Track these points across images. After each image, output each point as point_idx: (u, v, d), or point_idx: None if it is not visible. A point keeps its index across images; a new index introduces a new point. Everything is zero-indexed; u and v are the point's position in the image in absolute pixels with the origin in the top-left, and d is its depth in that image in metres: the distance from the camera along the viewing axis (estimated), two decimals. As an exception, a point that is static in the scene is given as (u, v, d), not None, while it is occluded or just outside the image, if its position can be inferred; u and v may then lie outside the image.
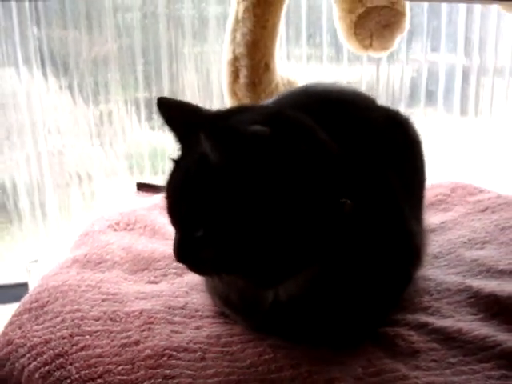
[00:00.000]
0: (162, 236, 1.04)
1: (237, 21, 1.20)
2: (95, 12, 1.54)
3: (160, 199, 1.18)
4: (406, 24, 1.33)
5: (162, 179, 1.63)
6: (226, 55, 1.21)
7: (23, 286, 1.24)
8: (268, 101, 0.91)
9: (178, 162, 0.71)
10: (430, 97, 1.84)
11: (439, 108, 1.85)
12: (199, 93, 1.65)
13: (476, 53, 1.83)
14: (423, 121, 1.83)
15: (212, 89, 1.64)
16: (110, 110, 1.63)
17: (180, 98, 1.56)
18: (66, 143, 1.62)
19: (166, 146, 1.66)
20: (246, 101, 1.21)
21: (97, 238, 1.01)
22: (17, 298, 1.32)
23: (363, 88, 1.72)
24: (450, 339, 0.72)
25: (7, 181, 1.60)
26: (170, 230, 1.03)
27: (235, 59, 1.20)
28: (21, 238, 1.60)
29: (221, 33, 1.60)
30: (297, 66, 1.64)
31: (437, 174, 1.33)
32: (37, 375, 0.69)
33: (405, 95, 1.82)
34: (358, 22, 1.28)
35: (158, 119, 1.61)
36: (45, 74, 1.55)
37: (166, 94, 1.61)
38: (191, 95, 1.64)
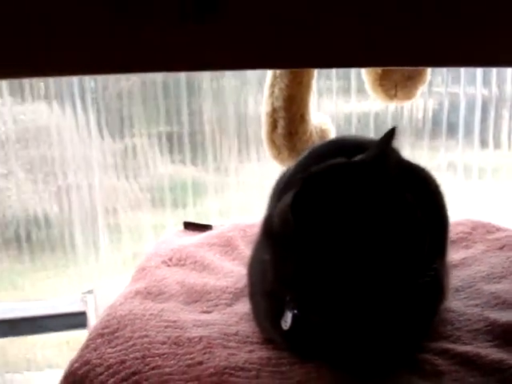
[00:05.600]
0: (212, 271, 1.16)
1: (275, 76, 1.33)
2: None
3: (205, 237, 1.31)
4: (428, 76, 1.45)
5: (182, 212, 1.73)
6: (266, 107, 1.34)
7: (80, 315, 1.36)
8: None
9: None
10: (452, 129, 1.90)
11: (461, 141, 1.91)
12: (217, 126, 1.77)
13: (494, 83, 1.88)
14: (445, 155, 1.90)
15: (228, 123, 1.76)
16: (134, 144, 1.74)
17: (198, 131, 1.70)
18: (93, 176, 1.74)
19: (186, 179, 1.77)
20: (284, 149, 1.34)
21: (154, 273, 1.14)
22: (74, 326, 1.46)
23: (388, 121, 1.84)
24: (469, 362, 0.83)
25: (39, 213, 1.71)
26: (218, 265, 1.17)
27: (274, 111, 1.33)
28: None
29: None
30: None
31: (458, 209, 1.42)
32: (115, 390, 0.81)
33: (428, 128, 1.88)
34: (383, 74, 1.40)
35: (178, 153, 1.74)
36: (74, 109, 1.65)
37: (186, 128, 1.73)
38: (209, 129, 1.75)
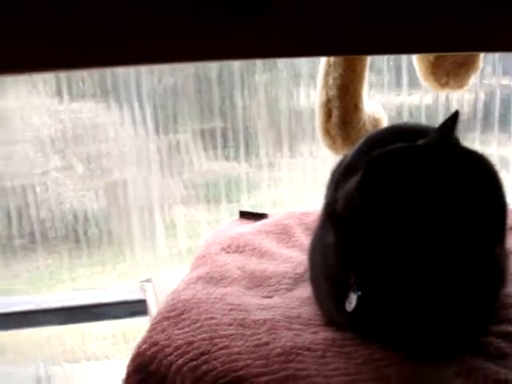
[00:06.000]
0: (270, 257, 1.18)
1: (329, 66, 1.34)
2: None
3: (262, 225, 1.34)
4: (480, 63, 1.44)
5: (234, 208, 1.75)
6: (320, 97, 1.36)
7: (139, 303, 1.40)
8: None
9: None
10: (504, 123, 1.87)
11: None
12: (268, 121, 1.79)
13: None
14: (497, 149, 1.88)
15: (280, 119, 1.78)
16: (178, 140, 1.77)
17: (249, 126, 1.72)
18: (139, 173, 1.77)
19: (238, 175, 1.80)
20: (338, 138, 1.35)
21: (214, 259, 1.16)
22: (133, 314, 1.50)
23: (438, 113, 1.82)
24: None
25: (89, 209, 1.76)
26: (276, 252, 1.19)
27: (328, 101, 1.34)
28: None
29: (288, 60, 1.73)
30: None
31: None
32: (185, 369, 0.83)
33: (478, 121, 1.86)
34: (435, 61, 1.40)
35: (222, 149, 1.77)
36: (121, 106, 1.69)
37: (235, 123, 1.76)
38: (261, 124, 1.77)
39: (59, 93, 1.68)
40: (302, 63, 1.77)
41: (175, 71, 1.74)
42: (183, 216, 1.82)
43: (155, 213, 1.80)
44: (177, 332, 0.92)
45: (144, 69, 1.66)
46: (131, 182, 1.77)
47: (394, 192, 0.75)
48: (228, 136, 1.77)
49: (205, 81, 1.74)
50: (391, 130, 1.08)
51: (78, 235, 1.76)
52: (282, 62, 1.74)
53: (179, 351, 0.87)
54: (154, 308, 1.27)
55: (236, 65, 1.72)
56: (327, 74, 1.35)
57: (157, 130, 1.73)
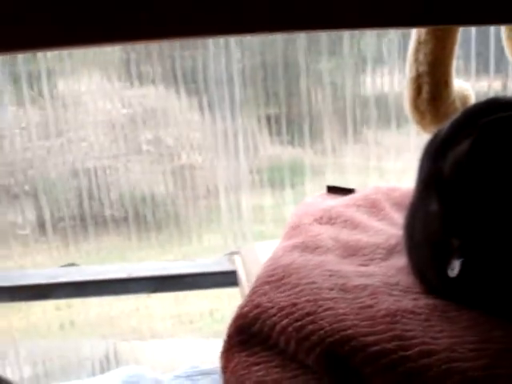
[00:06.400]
0: (362, 229, 1.20)
1: (419, 42, 1.35)
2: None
3: (350, 199, 1.36)
4: None
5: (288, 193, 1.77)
6: (410, 73, 1.37)
7: (229, 273, 1.45)
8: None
9: None
10: None
11: None
12: (333, 107, 1.80)
13: None
14: None
15: (345, 105, 1.79)
16: (243, 126, 1.79)
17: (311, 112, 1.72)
18: (202, 158, 1.81)
19: (293, 161, 1.81)
20: (427, 114, 1.36)
21: (308, 229, 1.19)
22: (222, 284, 1.55)
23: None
24: None
25: (156, 193, 1.80)
26: (367, 224, 1.21)
27: (418, 77, 1.35)
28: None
29: (354, 46, 1.73)
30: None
31: None
32: (290, 329, 0.86)
33: None
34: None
35: (286, 135, 1.79)
36: (178, 92, 1.73)
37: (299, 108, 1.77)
38: (325, 110, 1.78)
39: (129, 77, 1.73)
40: (368, 48, 1.78)
41: (243, 57, 1.77)
42: (248, 200, 1.85)
43: (221, 197, 1.84)
44: (279, 295, 0.95)
45: (211, 55, 1.70)
46: (198, 166, 1.81)
47: (506, 157, 0.76)
48: (293, 122, 1.79)
49: (271, 67, 1.76)
50: (490, 103, 1.09)
51: (146, 218, 1.82)
52: (347, 48, 1.75)
53: (283, 312, 0.90)
54: (244, 278, 1.31)
55: (301, 51, 1.74)
56: (417, 50, 1.36)
57: (223, 116, 1.76)
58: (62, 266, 1.73)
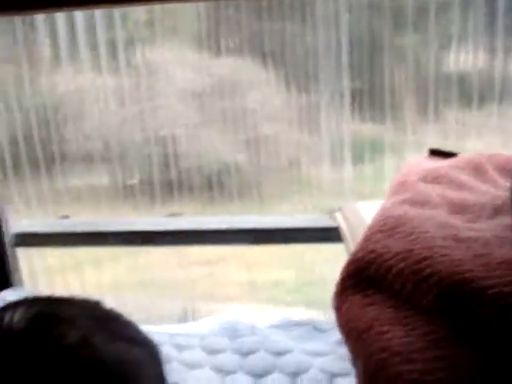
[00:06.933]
0: (468, 189, 1.24)
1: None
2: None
3: (453, 161, 1.40)
4: None
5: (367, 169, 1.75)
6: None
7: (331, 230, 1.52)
8: None
9: None
10: None
11: None
12: (414, 84, 1.79)
13: None
14: None
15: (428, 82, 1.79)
16: (318, 100, 1.81)
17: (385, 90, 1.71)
18: (278, 129, 1.84)
19: (373, 137, 1.82)
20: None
21: (414, 186, 1.24)
22: (318, 239, 1.62)
23: None
24: None
25: (230, 163, 1.86)
26: (473, 185, 1.25)
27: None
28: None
29: (440, 22, 1.72)
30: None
31: None
32: (407, 271, 0.92)
33: None
34: None
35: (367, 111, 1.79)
36: (262, 63, 1.76)
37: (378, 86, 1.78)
38: (406, 87, 1.79)
39: (211, 47, 1.77)
40: (453, 25, 1.76)
41: (329, 31, 1.78)
42: (325, 174, 1.88)
43: (300, 169, 1.87)
44: (393, 242, 1.01)
45: (298, 28, 1.72)
46: (273, 138, 1.85)
47: None
48: (375, 98, 1.80)
49: (354, 41, 1.77)
50: None
51: (220, 187, 1.87)
52: (432, 24, 1.75)
53: (399, 256, 0.95)
54: (348, 233, 1.37)
55: (386, 26, 1.74)
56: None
57: (298, 88, 1.79)
58: (166, 216, 1.83)
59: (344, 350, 1.46)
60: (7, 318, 1.22)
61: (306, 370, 1.41)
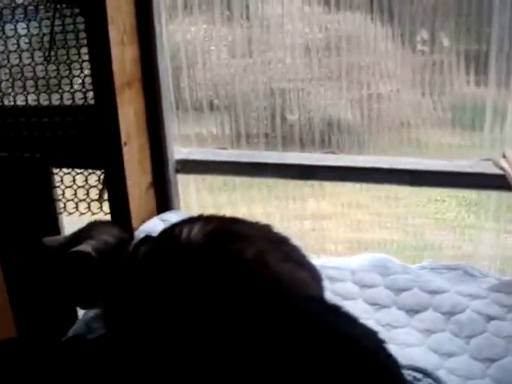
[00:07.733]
0: None
1: None
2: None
3: None
4: None
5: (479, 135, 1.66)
6: None
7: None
8: None
9: None
10: None
11: None
12: None
13: None
14: None
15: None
16: (441, 60, 1.70)
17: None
18: (393, 89, 1.78)
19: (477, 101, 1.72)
20: None
21: None
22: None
23: None
24: None
25: (342, 119, 1.82)
26: None
27: None
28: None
29: None
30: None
31: None
32: None
33: None
34: None
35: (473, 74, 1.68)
36: (382, 20, 1.68)
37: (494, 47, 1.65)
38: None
39: (327, 2, 1.73)
40: None
41: None
42: (434, 137, 1.82)
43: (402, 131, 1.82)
44: None
45: None
46: (386, 96, 1.80)
47: None
48: (480, 61, 1.69)
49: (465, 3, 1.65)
50: None
51: (330, 142, 1.86)
52: None
53: None
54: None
55: None
56: None
57: (413, 48, 1.71)
58: (324, 153, 1.85)
59: (499, 295, 1.48)
60: (185, 232, 1.31)
61: (461, 310, 1.43)
